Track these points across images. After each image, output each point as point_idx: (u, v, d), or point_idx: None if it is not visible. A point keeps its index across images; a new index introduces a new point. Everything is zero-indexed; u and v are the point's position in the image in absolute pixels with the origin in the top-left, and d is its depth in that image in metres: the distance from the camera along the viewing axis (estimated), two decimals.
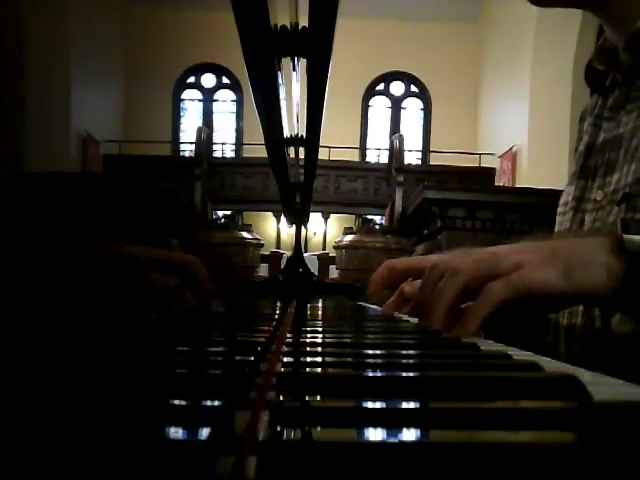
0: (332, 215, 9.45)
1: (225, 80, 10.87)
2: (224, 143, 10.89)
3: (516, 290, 0.45)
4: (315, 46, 0.49)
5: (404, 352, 0.39)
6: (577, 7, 0.74)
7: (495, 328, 0.51)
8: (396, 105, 11.10)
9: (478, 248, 0.51)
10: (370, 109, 11.08)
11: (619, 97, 0.71)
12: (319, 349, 0.40)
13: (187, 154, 9.94)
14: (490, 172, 8.80)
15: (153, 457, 0.15)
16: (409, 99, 11.09)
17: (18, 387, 0.23)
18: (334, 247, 4.11)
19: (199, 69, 10.85)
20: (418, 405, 0.22)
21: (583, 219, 0.72)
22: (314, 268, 2.12)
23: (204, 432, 0.17)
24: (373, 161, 10.28)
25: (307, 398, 0.23)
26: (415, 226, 3.97)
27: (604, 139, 0.72)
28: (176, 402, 0.21)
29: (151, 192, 3.19)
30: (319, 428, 0.19)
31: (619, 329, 0.59)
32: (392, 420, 0.20)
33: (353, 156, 10.08)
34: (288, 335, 0.43)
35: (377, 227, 4.13)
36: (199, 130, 8.16)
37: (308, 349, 0.39)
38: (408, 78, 10.88)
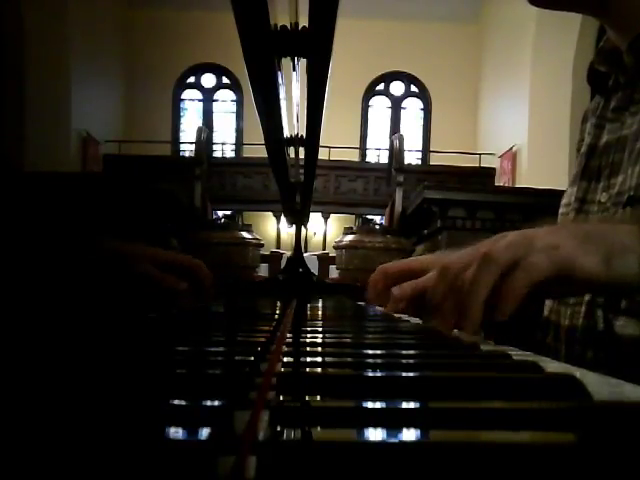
0: (332, 215, 9.44)
1: (225, 80, 10.87)
2: (224, 143, 10.89)
3: (558, 269, 0.43)
4: (315, 46, 0.49)
5: (404, 352, 0.39)
6: (579, 11, 0.74)
7: (495, 328, 0.50)
8: (396, 105, 11.10)
9: (499, 234, 0.47)
10: (370, 109, 11.08)
11: (623, 99, 0.71)
12: (319, 349, 0.40)
13: (187, 154, 9.93)
14: (490, 172, 8.80)
15: (153, 457, 0.15)
16: (409, 99, 11.09)
17: (19, 387, 0.23)
18: (334, 247, 4.11)
19: (199, 69, 10.84)
20: (418, 405, 0.22)
21: (586, 221, 0.72)
22: (314, 268, 2.12)
23: (204, 432, 0.17)
24: (373, 161, 10.27)
25: (307, 398, 0.23)
26: (415, 226, 3.97)
27: (607, 140, 0.72)
28: (176, 402, 0.21)
29: (151, 192, 3.19)
30: (319, 428, 0.19)
31: (623, 332, 0.59)
32: (392, 420, 0.20)
33: (353, 156, 10.08)
34: (288, 335, 0.43)
35: (377, 227, 4.13)
36: (199, 130, 8.15)
37: (308, 349, 0.39)
38: (408, 78, 10.88)
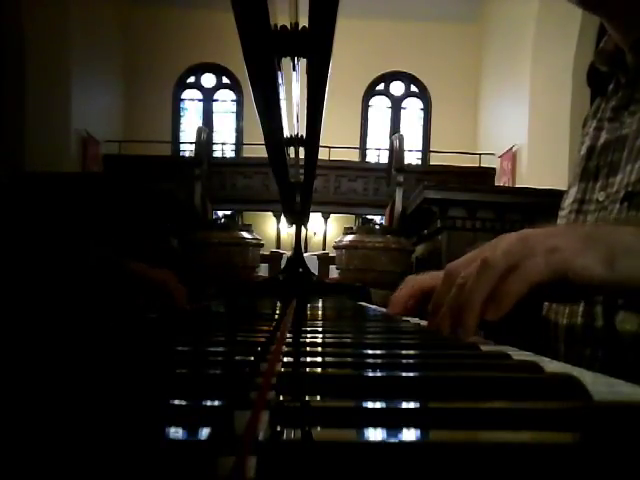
0: (332, 215, 9.44)
1: (225, 80, 10.86)
2: (224, 143, 10.88)
3: (555, 272, 0.42)
4: (315, 46, 0.49)
5: (404, 352, 0.39)
6: (582, 7, 0.74)
7: (495, 328, 0.50)
8: (396, 105, 11.09)
9: (502, 236, 0.47)
10: (370, 109, 11.07)
11: (623, 98, 0.71)
12: (319, 349, 0.40)
13: (187, 154, 9.93)
14: (490, 172, 8.80)
15: (153, 457, 0.15)
16: (409, 99, 11.09)
17: (19, 387, 0.23)
18: (334, 247, 4.10)
19: (199, 69, 10.84)
20: (418, 405, 0.22)
21: (585, 221, 0.72)
22: (314, 268, 2.12)
23: (204, 432, 0.17)
24: (373, 161, 10.27)
25: (307, 398, 0.23)
26: (415, 226, 3.97)
27: (606, 140, 0.72)
28: (176, 402, 0.21)
29: (151, 192, 3.19)
30: (319, 428, 0.19)
31: (623, 327, 0.59)
32: (392, 420, 0.20)
33: (353, 156, 10.07)
34: (288, 335, 0.43)
35: (377, 227, 4.12)
36: (199, 130, 8.14)
37: (308, 349, 0.39)
38: (408, 78, 10.88)
